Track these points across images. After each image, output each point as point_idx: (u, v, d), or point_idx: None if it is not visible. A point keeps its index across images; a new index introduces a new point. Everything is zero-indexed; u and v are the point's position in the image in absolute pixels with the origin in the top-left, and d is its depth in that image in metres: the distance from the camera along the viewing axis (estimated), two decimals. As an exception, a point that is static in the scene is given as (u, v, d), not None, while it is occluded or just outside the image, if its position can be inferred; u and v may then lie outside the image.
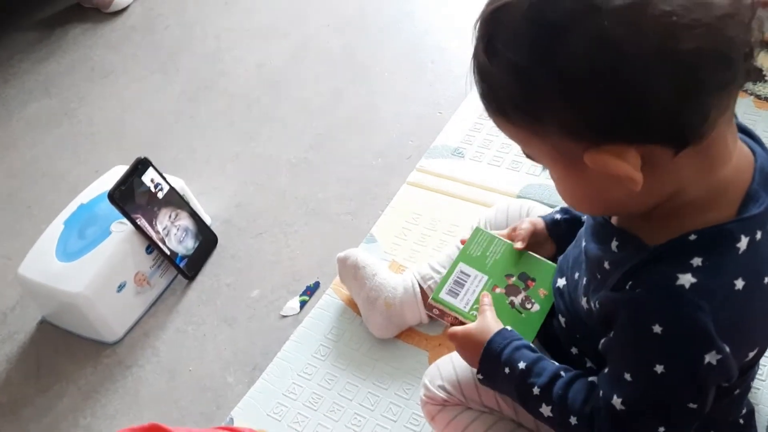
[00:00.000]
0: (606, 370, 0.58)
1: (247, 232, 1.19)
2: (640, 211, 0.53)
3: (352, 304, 1.00)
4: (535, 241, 0.77)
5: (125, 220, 1.06)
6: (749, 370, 0.60)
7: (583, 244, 0.62)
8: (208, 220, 1.20)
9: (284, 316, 1.04)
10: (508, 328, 0.68)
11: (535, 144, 0.51)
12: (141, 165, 1.09)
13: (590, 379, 0.61)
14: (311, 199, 1.22)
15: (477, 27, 0.49)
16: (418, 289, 0.93)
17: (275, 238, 1.17)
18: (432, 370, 0.76)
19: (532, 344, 0.67)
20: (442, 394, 0.74)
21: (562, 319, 0.69)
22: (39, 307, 1.13)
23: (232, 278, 1.13)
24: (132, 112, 1.54)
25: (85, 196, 1.14)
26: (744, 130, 0.55)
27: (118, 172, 1.15)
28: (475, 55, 0.50)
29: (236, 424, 0.90)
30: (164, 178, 1.12)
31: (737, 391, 0.61)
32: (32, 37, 1.88)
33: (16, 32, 1.91)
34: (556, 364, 0.64)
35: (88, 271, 1.03)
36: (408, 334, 0.95)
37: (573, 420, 0.59)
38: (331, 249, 1.11)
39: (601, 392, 0.57)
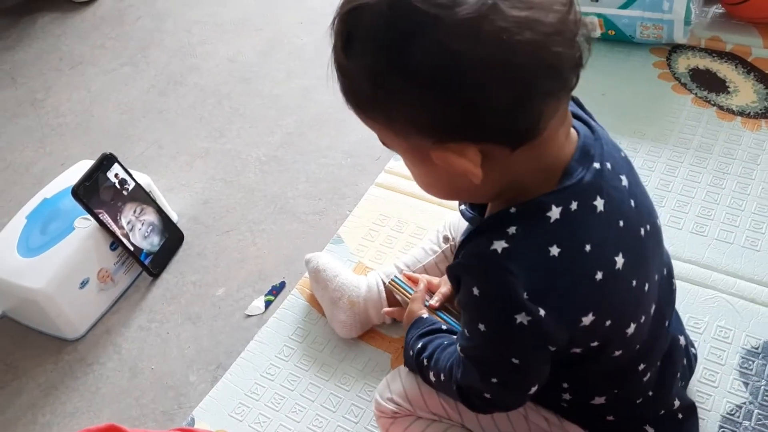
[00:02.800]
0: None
1: (214, 230, 1.19)
2: (484, 198, 0.59)
3: (317, 305, 1.01)
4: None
5: (89, 216, 1.05)
6: (615, 337, 0.60)
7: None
8: (174, 217, 1.19)
9: (249, 316, 1.04)
10: (425, 315, 0.79)
11: (390, 136, 0.54)
12: (106, 161, 1.07)
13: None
14: (280, 197, 1.22)
15: (335, 24, 0.52)
16: (382, 287, 0.94)
17: (242, 237, 1.17)
18: (381, 384, 0.79)
19: (443, 327, 0.76)
20: (391, 407, 0.76)
21: None
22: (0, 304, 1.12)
23: (198, 276, 1.12)
24: (100, 105, 1.52)
25: (49, 190, 1.12)
26: (575, 114, 0.60)
27: (83, 166, 1.13)
28: (335, 52, 0.53)
29: (197, 424, 0.90)
30: (130, 174, 1.11)
31: (614, 359, 0.62)
32: (-1, 24, 1.84)
33: (-18, 19, 1.87)
34: (452, 337, 0.73)
35: (50, 267, 1.01)
36: (371, 335, 0.96)
37: (442, 377, 0.68)
38: (299, 249, 1.11)
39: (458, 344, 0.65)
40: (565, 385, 0.67)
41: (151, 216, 1.13)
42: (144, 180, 1.14)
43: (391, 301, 0.93)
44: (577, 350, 0.60)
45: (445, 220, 0.97)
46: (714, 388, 0.84)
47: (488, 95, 0.48)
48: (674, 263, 0.96)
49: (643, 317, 0.62)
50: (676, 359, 0.73)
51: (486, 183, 0.54)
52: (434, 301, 0.84)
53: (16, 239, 1.06)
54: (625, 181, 0.58)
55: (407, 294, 0.88)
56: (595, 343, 0.60)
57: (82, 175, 1.03)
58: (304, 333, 0.98)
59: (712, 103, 1.20)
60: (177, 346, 1.03)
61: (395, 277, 0.91)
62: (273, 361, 0.95)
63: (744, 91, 1.20)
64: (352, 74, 0.52)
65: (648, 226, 0.61)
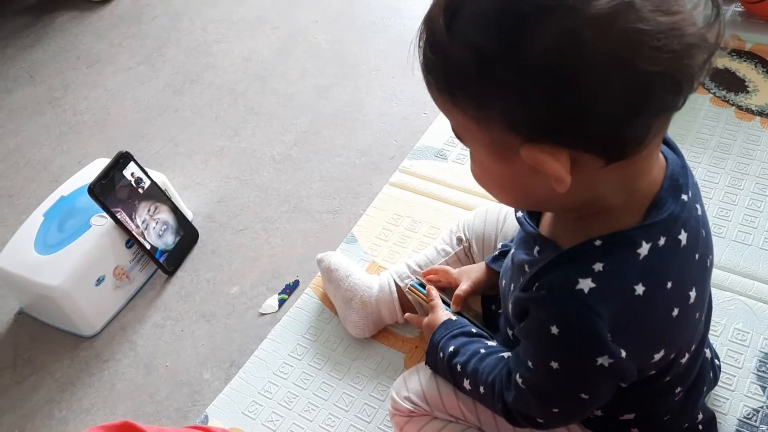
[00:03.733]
0: (517, 349, 0.62)
1: (229, 228, 1.19)
2: (558, 209, 0.55)
3: (330, 304, 1.01)
4: (480, 289, 0.85)
5: (105, 214, 1.05)
6: (670, 367, 0.60)
7: (512, 251, 0.64)
8: (189, 215, 1.19)
9: (263, 314, 1.05)
10: (453, 318, 0.76)
11: (471, 127, 0.49)
12: (122, 159, 1.08)
13: (502, 354, 0.66)
14: (294, 196, 1.22)
15: None
16: (394, 287, 0.94)
17: (256, 235, 1.17)
18: (398, 382, 0.78)
19: (473, 330, 0.73)
20: (408, 406, 0.75)
21: (502, 324, 0.74)
22: (16, 299, 1.13)
23: (212, 274, 1.13)
24: (117, 103, 1.53)
25: (66, 188, 1.14)
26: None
27: (99, 164, 1.14)
28: (431, 26, 0.48)
29: (211, 422, 0.90)
30: (146, 173, 1.12)
31: (660, 384, 0.62)
32: (19, 23, 1.86)
33: (2, 18, 1.89)
34: (487, 343, 0.71)
35: (67, 264, 1.02)
36: (384, 335, 0.95)
37: (482, 389, 0.66)
38: (312, 247, 1.11)
39: (510, 366, 0.62)
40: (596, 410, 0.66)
41: (166, 214, 1.14)
42: (159, 178, 1.15)
43: (403, 301, 0.93)
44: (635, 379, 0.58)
45: (459, 220, 0.97)
46: (731, 391, 0.82)
47: (603, 99, 0.44)
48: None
49: (695, 346, 0.60)
50: (704, 375, 0.71)
51: (567, 193, 0.49)
52: (454, 307, 0.83)
53: (33, 236, 1.07)
54: (699, 210, 0.56)
55: (425, 300, 0.86)
56: (653, 372, 0.58)
57: (99, 174, 1.04)
58: (317, 332, 0.98)
59: (731, 102, 1.18)
60: (191, 343, 1.03)
61: (413, 282, 0.90)
62: (286, 360, 0.96)
63: (764, 90, 1.18)
64: (450, 54, 0.46)
65: (711, 256, 0.59)
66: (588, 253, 0.51)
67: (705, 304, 0.61)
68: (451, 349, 0.71)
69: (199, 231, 1.19)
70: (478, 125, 0.49)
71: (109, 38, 1.74)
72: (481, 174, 0.54)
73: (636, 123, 0.46)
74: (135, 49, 1.68)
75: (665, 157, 0.55)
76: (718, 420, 0.78)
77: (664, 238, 0.51)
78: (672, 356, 0.57)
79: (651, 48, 0.43)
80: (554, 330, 0.52)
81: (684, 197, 0.53)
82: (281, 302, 1.05)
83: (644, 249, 0.50)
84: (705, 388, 0.72)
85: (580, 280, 0.50)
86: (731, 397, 0.82)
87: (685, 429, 0.71)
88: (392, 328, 0.96)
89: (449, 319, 0.77)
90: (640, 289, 0.51)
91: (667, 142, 0.57)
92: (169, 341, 1.05)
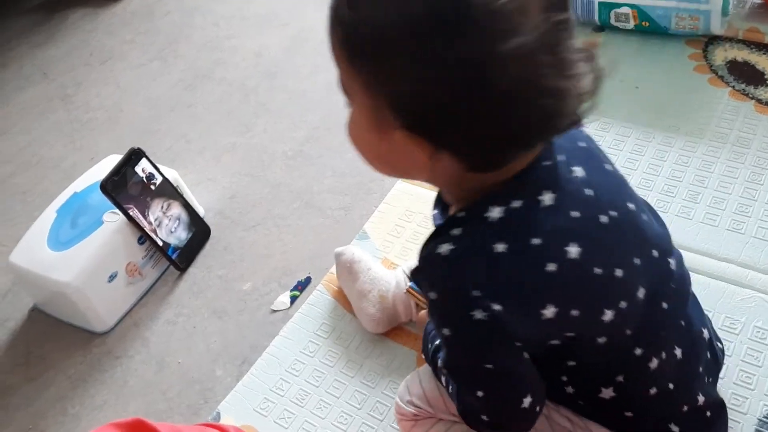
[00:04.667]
0: None
1: (241, 225, 1.19)
2: (428, 182, 0.60)
3: (342, 301, 1.00)
4: None
5: (117, 211, 1.05)
6: (597, 328, 0.59)
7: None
8: (201, 211, 1.19)
9: (275, 311, 1.04)
10: None
11: (360, 91, 0.52)
12: (134, 155, 1.08)
13: None
14: (306, 192, 1.21)
15: None
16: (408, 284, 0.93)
17: (268, 231, 1.16)
18: (401, 388, 0.77)
19: None
20: (411, 409, 0.75)
21: None
22: (30, 295, 1.13)
23: (224, 271, 1.12)
24: (129, 100, 1.53)
25: (79, 184, 1.14)
26: None
27: (111, 161, 1.14)
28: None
29: (223, 419, 0.90)
30: (158, 169, 1.11)
31: (626, 354, 0.62)
32: (31, 20, 1.87)
33: (15, 16, 1.90)
34: None
35: (79, 260, 1.02)
36: (397, 333, 0.95)
37: (450, 388, 0.68)
38: (324, 244, 1.10)
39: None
40: (564, 378, 0.66)
41: (178, 210, 1.14)
42: (171, 175, 1.15)
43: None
44: (555, 342, 0.60)
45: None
46: (750, 390, 0.81)
47: (484, 125, 0.49)
48: (709, 261, 0.95)
49: (624, 303, 0.60)
50: (698, 352, 0.70)
51: (432, 179, 0.57)
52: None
53: (46, 233, 1.07)
54: (579, 172, 0.58)
55: (423, 301, 0.86)
56: (571, 334, 0.59)
57: (111, 170, 1.04)
58: (329, 329, 0.98)
59: (751, 96, 1.16)
60: (203, 340, 1.03)
61: (411, 283, 0.90)
62: (298, 357, 0.95)
63: (784, 83, 1.16)
64: (360, 23, 0.49)
65: (614, 212, 0.59)
66: (451, 223, 0.57)
67: (622, 260, 0.59)
68: (437, 342, 0.72)
69: (211, 227, 1.19)
70: (366, 94, 0.51)
71: (121, 35, 1.74)
72: (355, 135, 0.57)
73: (505, 152, 0.52)
74: (147, 45, 1.68)
75: None
76: (736, 420, 0.77)
77: (520, 201, 0.55)
78: (575, 314, 0.57)
79: (536, 100, 0.48)
80: (432, 295, 0.57)
81: (546, 162, 0.56)
82: (293, 299, 1.05)
83: (496, 212, 0.55)
84: (701, 368, 0.70)
85: (441, 245, 0.55)
86: (750, 396, 0.81)
87: (688, 413, 0.69)
88: (406, 326, 0.95)
89: None
90: (500, 247, 0.54)
91: None
92: (181, 338, 1.04)
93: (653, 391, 0.66)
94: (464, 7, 0.45)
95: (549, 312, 0.56)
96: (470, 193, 0.57)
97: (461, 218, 0.57)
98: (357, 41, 0.49)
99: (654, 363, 0.64)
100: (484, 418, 0.62)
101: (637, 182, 1.07)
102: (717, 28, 1.23)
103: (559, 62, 0.48)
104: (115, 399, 0.99)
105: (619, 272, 0.59)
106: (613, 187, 0.61)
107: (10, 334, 1.11)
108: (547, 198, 0.55)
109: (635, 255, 0.61)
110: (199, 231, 1.16)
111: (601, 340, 0.61)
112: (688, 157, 1.09)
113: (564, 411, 0.70)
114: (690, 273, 0.90)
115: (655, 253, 0.64)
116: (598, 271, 0.57)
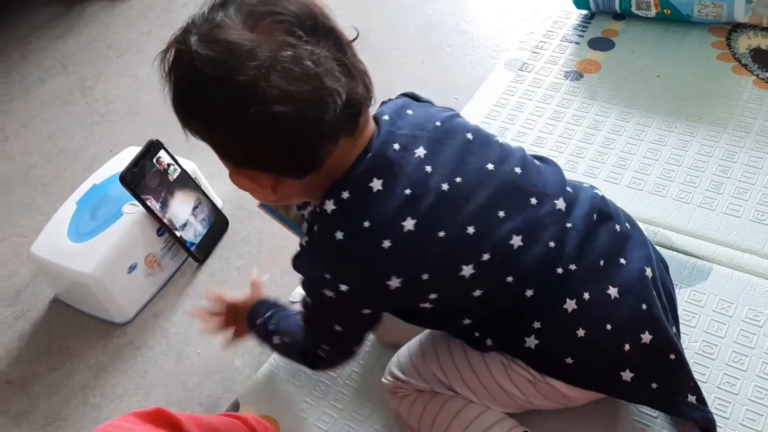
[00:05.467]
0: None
1: (258, 216, 1.18)
2: (295, 202, 0.74)
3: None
4: None
5: (136, 202, 1.06)
6: (461, 283, 0.66)
7: None
8: (219, 203, 1.19)
9: (293, 302, 1.04)
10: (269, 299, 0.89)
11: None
12: (153, 147, 1.08)
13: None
14: (323, 183, 1.21)
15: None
16: None
17: (286, 223, 1.16)
18: (386, 370, 0.83)
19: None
20: (391, 381, 0.81)
21: None
22: (51, 286, 1.14)
23: (242, 262, 1.13)
24: (147, 92, 1.54)
25: (98, 176, 1.14)
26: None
27: (130, 153, 1.15)
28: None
29: (242, 409, 0.90)
30: (176, 161, 1.12)
31: (484, 298, 0.67)
32: (50, 13, 1.88)
33: (35, 9, 1.91)
34: (291, 311, 0.83)
35: (99, 251, 1.03)
36: (415, 324, 0.94)
37: (286, 339, 0.79)
38: (342, 235, 1.10)
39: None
40: (477, 334, 0.71)
41: (196, 202, 1.14)
42: (189, 166, 1.15)
43: None
44: (427, 305, 0.68)
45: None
46: (744, 371, 0.80)
47: (263, 146, 0.60)
48: (732, 253, 0.93)
49: (487, 255, 0.65)
50: (640, 291, 0.71)
51: (286, 197, 0.67)
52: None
53: (66, 224, 1.08)
54: (420, 152, 0.65)
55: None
56: (434, 295, 0.67)
57: (130, 162, 1.05)
58: (347, 320, 0.97)
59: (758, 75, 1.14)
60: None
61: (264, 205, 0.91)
62: (316, 348, 0.95)
63: (810, 71, 1.14)
64: (174, 103, 0.62)
65: (459, 178, 0.66)
66: (309, 220, 0.68)
67: (474, 219, 0.65)
68: (266, 315, 0.83)
69: (228, 219, 1.19)
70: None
71: (138, 27, 1.75)
72: (232, 179, 0.66)
73: (300, 155, 0.61)
74: (164, 37, 1.66)
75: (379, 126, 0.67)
76: (759, 413, 0.76)
77: (347, 191, 0.63)
78: (426, 277, 0.64)
79: (278, 112, 0.56)
80: (300, 276, 0.71)
81: (372, 153, 0.64)
82: (311, 290, 1.05)
83: (329, 205, 0.63)
84: (644, 306, 0.70)
85: (304, 238, 0.67)
86: (742, 377, 0.79)
87: (632, 354, 0.69)
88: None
89: (266, 299, 0.89)
90: (339, 234, 0.63)
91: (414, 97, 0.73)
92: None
93: (581, 333, 0.68)
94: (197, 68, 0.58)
95: (395, 282, 0.64)
96: (319, 194, 0.65)
97: (313, 214, 0.66)
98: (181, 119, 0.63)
99: (570, 305, 0.67)
100: (323, 355, 0.75)
101: (658, 172, 1.06)
102: (741, 15, 1.21)
103: (305, 76, 0.57)
104: (135, 389, 1.00)
105: (471, 229, 0.65)
106: (463, 154, 0.67)
107: (32, 324, 1.13)
108: (377, 184, 0.63)
109: (498, 208, 0.66)
110: (217, 222, 1.17)
111: (477, 293, 0.67)
112: (710, 146, 1.08)
113: (522, 370, 0.72)
114: (712, 264, 0.90)
115: (533, 200, 0.68)
116: (442, 234, 0.64)
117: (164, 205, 1.09)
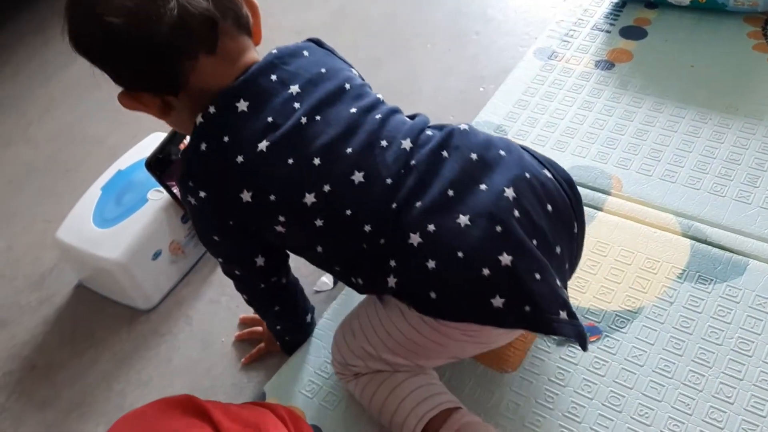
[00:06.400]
0: None
1: (283, 204, 1.18)
2: (186, 131, 0.76)
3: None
4: None
5: (162, 189, 1.05)
6: (305, 210, 0.70)
7: None
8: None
9: (318, 291, 1.03)
10: None
11: None
12: (178, 133, 1.07)
13: None
14: (348, 172, 1.20)
15: None
16: None
17: (310, 211, 1.15)
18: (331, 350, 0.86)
19: None
20: (336, 368, 0.84)
21: None
22: (75, 272, 1.14)
23: (267, 250, 1.12)
24: (170, 78, 1.53)
25: (123, 162, 1.14)
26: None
27: (155, 139, 1.14)
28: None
29: (268, 399, 0.90)
30: (201, 147, 1.11)
31: (327, 229, 0.71)
32: (73, -2, 1.87)
33: (58, -7, 1.90)
34: None
35: (125, 238, 1.02)
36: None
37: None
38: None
39: None
40: (352, 279, 0.75)
41: (221, 189, 1.13)
42: (214, 153, 1.14)
43: None
44: (280, 229, 0.73)
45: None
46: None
47: (121, 64, 0.67)
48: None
49: (328, 186, 0.69)
50: (500, 217, 0.68)
51: (178, 123, 0.75)
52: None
53: (91, 210, 1.07)
54: (295, 89, 0.71)
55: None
56: (282, 218, 0.71)
57: (155, 148, 1.04)
58: (373, 311, 0.96)
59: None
60: (246, 319, 1.03)
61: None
62: (342, 339, 0.94)
63: None
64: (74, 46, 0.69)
65: (318, 116, 0.71)
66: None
67: (325, 151, 0.70)
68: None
69: (253, 207, 1.18)
70: None
71: (161, 13, 1.73)
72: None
73: (158, 72, 0.67)
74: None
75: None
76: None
77: (213, 107, 0.70)
78: (273, 198, 0.70)
79: (119, 27, 0.64)
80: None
81: (245, 77, 0.70)
82: (336, 280, 1.04)
83: (199, 118, 0.70)
84: (498, 228, 0.67)
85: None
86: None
87: (493, 278, 0.66)
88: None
89: None
90: (203, 146, 0.70)
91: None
92: (224, 317, 1.04)
93: (431, 264, 0.67)
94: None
95: (246, 196, 0.70)
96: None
97: (193, 128, 0.72)
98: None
99: (414, 239, 0.68)
100: (232, 279, 0.85)
101: (692, 165, 1.04)
102: (779, 3, 1.17)
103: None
104: (160, 376, 0.99)
105: (317, 161, 0.69)
106: (331, 98, 0.72)
107: (56, 311, 1.12)
108: (243, 105, 0.70)
109: (347, 146, 0.70)
110: (242, 210, 1.16)
111: (318, 222, 0.71)
112: (746, 139, 1.05)
113: (444, 330, 0.72)
114: (748, 259, 0.88)
115: (383, 143, 0.72)
116: (291, 161, 0.69)
117: (189, 192, 1.08)
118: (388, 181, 0.70)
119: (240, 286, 0.87)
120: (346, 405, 0.87)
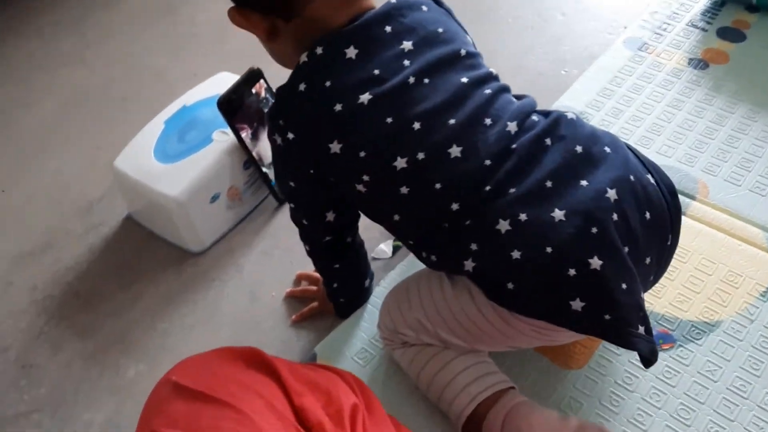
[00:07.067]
0: None
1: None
2: (287, 65, 0.72)
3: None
4: None
5: (228, 131, 1.01)
6: (395, 174, 0.66)
7: None
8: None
9: (375, 259, 1.00)
10: None
11: None
12: (253, 75, 1.03)
13: None
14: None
15: None
16: None
17: (373, 175, 1.11)
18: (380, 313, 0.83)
19: None
20: (385, 334, 0.82)
21: None
22: (127, 204, 1.11)
23: (325, 209, 1.08)
24: (236, 19, 1.48)
25: (189, 98, 1.10)
26: None
27: (222, 78, 1.10)
28: None
29: (319, 361, 0.87)
30: (272, 93, 1.06)
31: (414, 197, 0.67)
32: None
33: None
34: None
35: (186, 176, 0.99)
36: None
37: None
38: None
39: None
40: (423, 254, 0.71)
41: (286, 139, 1.09)
42: (284, 101, 1.09)
43: None
44: (360, 188, 0.69)
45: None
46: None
47: None
48: None
49: (422, 154, 0.65)
50: (595, 215, 0.64)
51: (280, 52, 0.72)
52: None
53: (153, 143, 1.04)
54: (408, 46, 0.67)
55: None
56: (366, 177, 0.68)
57: (229, 87, 1.00)
58: (434, 286, 0.93)
59: None
60: (300, 277, 0.99)
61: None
62: (400, 310, 0.91)
63: None
64: None
65: (427, 79, 0.67)
66: None
67: (427, 116, 0.66)
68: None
69: (314, 162, 1.14)
70: None
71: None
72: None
73: None
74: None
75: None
76: None
77: (321, 48, 0.66)
78: (363, 155, 0.66)
79: None
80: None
81: (367, 28, 0.67)
82: (395, 249, 1.00)
83: (303, 56, 0.67)
84: (594, 229, 0.64)
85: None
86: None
87: (578, 279, 0.63)
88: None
89: None
90: (302, 86, 0.67)
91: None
92: (276, 271, 1.01)
93: (516, 254, 0.64)
94: None
95: (335, 147, 0.67)
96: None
97: (296, 66, 0.69)
98: None
99: (503, 225, 0.64)
100: (301, 224, 0.81)
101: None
102: None
103: None
104: (206, 321, 0.96)
105: (417, 125, 0.65)
106: (443, 63, 0.68)
107: (102, 240, 1.10)
108: (351, 52, 0.66)
109: (450, 117, 0.66)
110: (303, 164, 1.12)
111: (404, 190, 0.67)
112: None
113: (513, 321, 0.69)
114: None
115: (488, 121, 0.67)
116: (389, 120, 0.65)
117: (255, 137, 1.04)
118: (487, 162, 0.66)
119: (304, 235, 0.83)
120: (400, 378, 0.84)
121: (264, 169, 1.05)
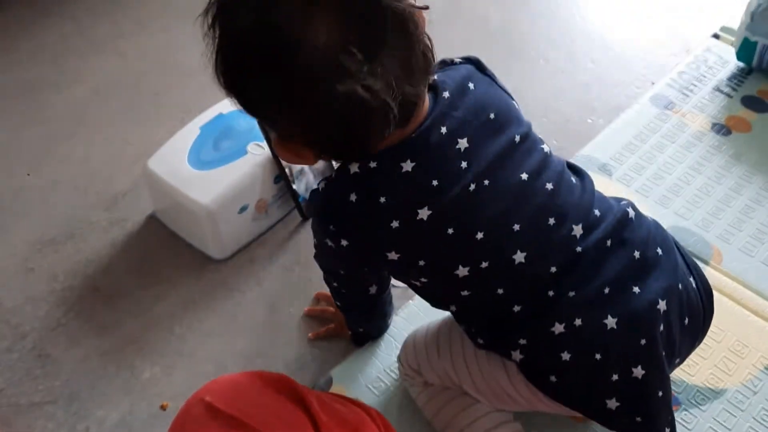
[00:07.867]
0: None
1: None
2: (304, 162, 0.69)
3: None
4: None
5: (264, 144, 1.03)
6: (456, 281, 0.67)
7: None
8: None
9: (394, 287, 1.02)
10: None
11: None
12: (294, 94, 1.05)
13: None
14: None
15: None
16: None
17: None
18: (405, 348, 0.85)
19: None
20: (406, 370, 0.83)
21: None
22: (153, 203, 1.12)
23: (347, 230, 1.10)
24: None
25: (225, 106, 1.11)
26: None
27: (261, 90, 1.11)
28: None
29: (335, 386, 0.88)
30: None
31: (472, 299, 0.69)
32: None
33: None
34: None
35: (218, 185, 1.01)
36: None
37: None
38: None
39: None
40: (472, 330, 0.73)
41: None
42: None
43: None
44: (416, 283, 0.71)
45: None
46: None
47: (320, 134, 0.60)
48: None
49: (486, 263, 0.65)
50: (645, 325, 0.68)
51: (306, 158, 0.65)
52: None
53: (187, 148, 1.05)
54: (463, 144, 0.64)
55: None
56: (425, 280, 0.69)
57: (271, 104, 1.01)
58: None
59: None
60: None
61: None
62: (416, 342, 0.93)
63: None
64: (221, 77, 0.63)
65: (487, 181, 0.64)
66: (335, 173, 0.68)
67: (490, 225, 0.65)
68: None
69: (340, 182, 1.16)
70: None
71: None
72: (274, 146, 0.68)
73: (352, 146, 0.61)
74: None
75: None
76: None
77: (376, 162, 0.62)
78: (422, 264, 0.66)
79: (341, 108, 0.56)
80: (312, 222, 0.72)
81: (423, 135, 0.62)
82: (414, 279, 1.02)
83: (354, 167, 0.63)
84: (643, 341, 0.67)
85: (321, 185, 0.67)
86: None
87: (620, 384, 0.67)
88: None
89: None
90: (353, 197, 0.63)
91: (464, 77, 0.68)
92: (295, 287, 1.03)
93: (566, 356, 0.67)
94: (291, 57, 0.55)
95: (393, 255, 0.66)
96: None
97: (337, 169, 0.66)
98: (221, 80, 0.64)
99: (558, 328, 0.66)
100: (337, 291, 0.83)
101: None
102: None
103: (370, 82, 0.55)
104: (223, 330, 0.98)
105: (480, 235, 0.64)
106: (502, 157, 0.66)
107: (126, 236, 1.11)
108: (408, 165, 0.62)
109: (515, 221, 0.65)
110: (330, 183, 1.14)
111: (465, 293, 0.68)
112: None
113: (542, 397, 0.72)
114: None
115: (551, 221, 0.67)
116: (451, 231, 0.64)
117: (288, 154, 1.05)
118: (552, 269, 0.67)
119: (336, 295, 0.86)
120: (412, 412, 0.86)
121: (294, 186, 1.07)
